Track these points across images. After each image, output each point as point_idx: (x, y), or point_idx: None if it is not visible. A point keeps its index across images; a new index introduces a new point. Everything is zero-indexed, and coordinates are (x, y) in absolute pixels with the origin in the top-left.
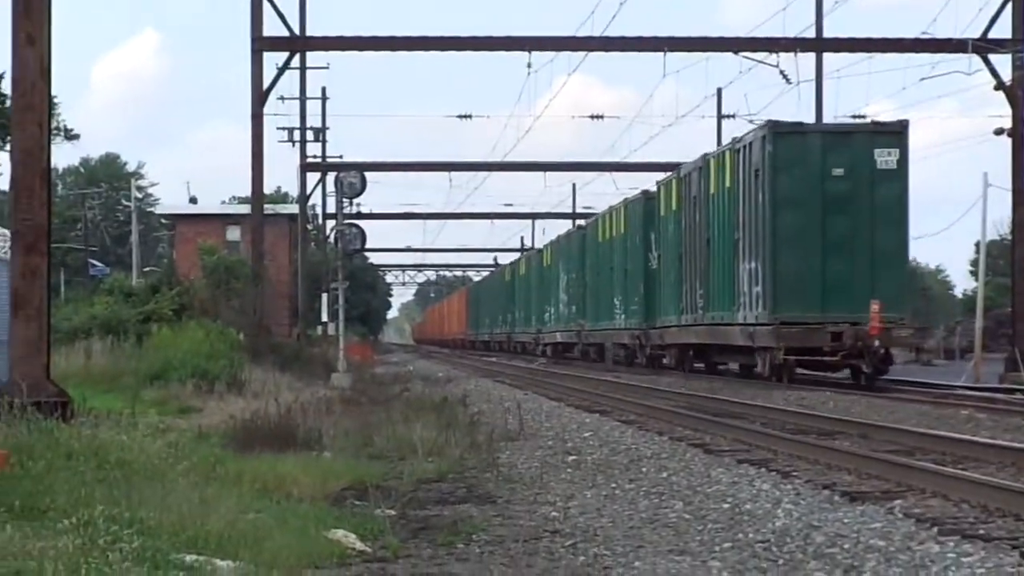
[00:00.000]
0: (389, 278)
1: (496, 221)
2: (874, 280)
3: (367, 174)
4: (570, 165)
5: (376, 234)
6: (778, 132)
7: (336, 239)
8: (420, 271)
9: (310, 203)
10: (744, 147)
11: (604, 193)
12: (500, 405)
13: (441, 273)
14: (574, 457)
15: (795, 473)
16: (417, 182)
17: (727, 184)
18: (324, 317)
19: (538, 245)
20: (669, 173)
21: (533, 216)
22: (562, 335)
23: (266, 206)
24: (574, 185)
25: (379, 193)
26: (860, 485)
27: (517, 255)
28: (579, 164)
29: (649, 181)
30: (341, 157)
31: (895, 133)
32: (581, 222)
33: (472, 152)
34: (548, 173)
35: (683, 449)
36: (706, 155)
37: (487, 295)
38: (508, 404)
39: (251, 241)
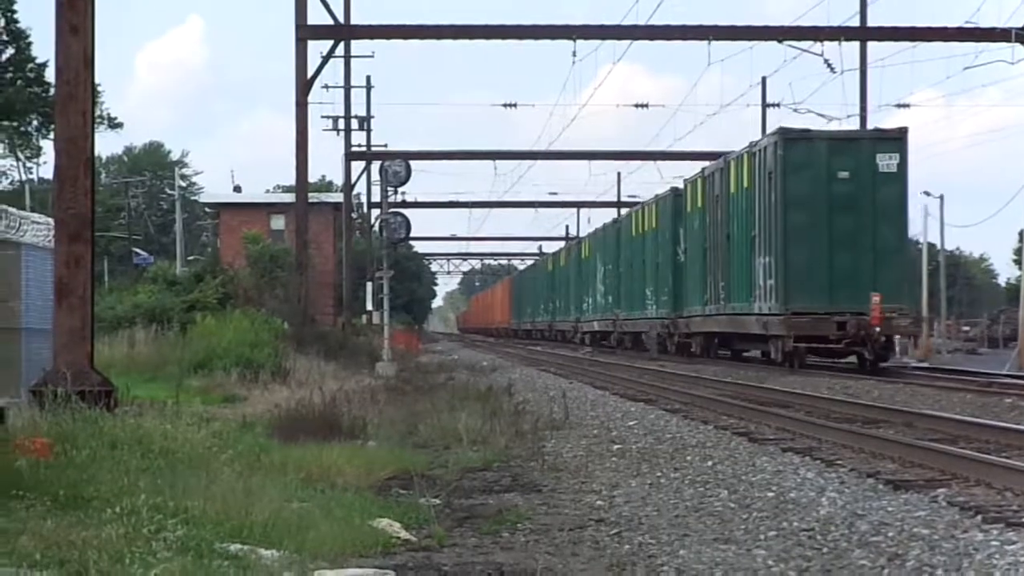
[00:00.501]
0: (434, 267)
1: (540, 210)
2: (876, 274)
3: (412, 163)
4: (615, 154)
5: (421, 223)
6: (789, 138)
7: (381, 228)
8: (465, 260)
9: (355, 192)
10: (760, 151)
11: (649, 182)
12: (545, 394)
13: (486, 262)
14: (619, 446)
15: (839, 461)
16: (462, 170)
17: (745, 185)
18: (369, 306)
19: (582, 234)
20: (709, 163)
21: (578, 205)
22: (599, 324)
23: (310, 195)
24: (619, 174)
25: (424, 182)
26: (904, 473)
27: (561, 244)
28: (624, 153)
29: (694, 169)
30: (386, 146)
31: (895, 139)
32: (624, 210)
33: (517, 141)
34: (593, 162)
35: (728, 438)
36: (726, 157)
37: (530, 285)
38: (553, 393)
39: (295, 230)
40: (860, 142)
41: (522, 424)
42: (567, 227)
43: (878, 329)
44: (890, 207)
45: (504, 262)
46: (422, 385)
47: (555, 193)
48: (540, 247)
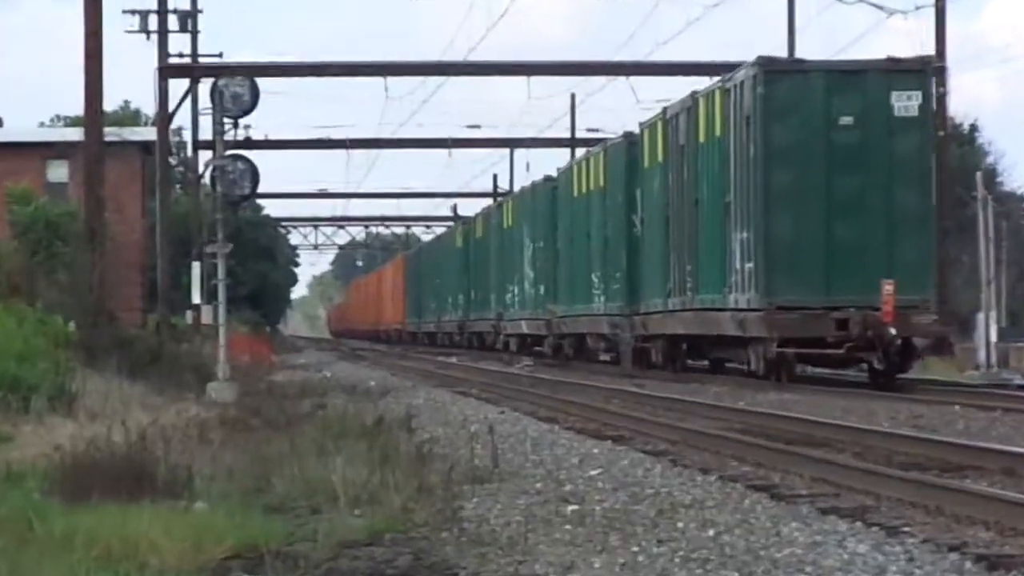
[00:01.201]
0: (295, 238)
1: (455, 151)
2: (891, 253)
3: (261, 81)
4: (566, 66)
5: (275, 172)
6: (772, 71)
7: (213, 180)
8: (342, 227)
9: (174, 125)
10: (735, 87)
11: (618, 109)
12: (463, 429)
13: (373, 230)
14: (575, 507)
15: (906, 528)
16: (338, 94)
17: (717, 132)
18: (196, 298)
19: (521, 186)
20: (711, 82)
21: (511, 143)
22: (528, 324)
23: (108, 129)
24: (572, 96)
25: (280, 110)
26: (1003, 545)
27: (488, 203)
28: (580, 65)
29: (686, 89)
30: (221, 56)
31: (916, 72)
32: (581, 152)
33: (420, 48)
34: (533, 78)
35: (739, 494)
36: (695, 93)
37: (432, 267)
38: (475, 427)
39: (84, 183)
40: (868, 75)
41: (428, 475)
42: (495, 177)
43: (892, 330)
44: (910, 162)
45: (401, 230)
46: (278, 417)
47: (476, 126)
48: (454, 207)
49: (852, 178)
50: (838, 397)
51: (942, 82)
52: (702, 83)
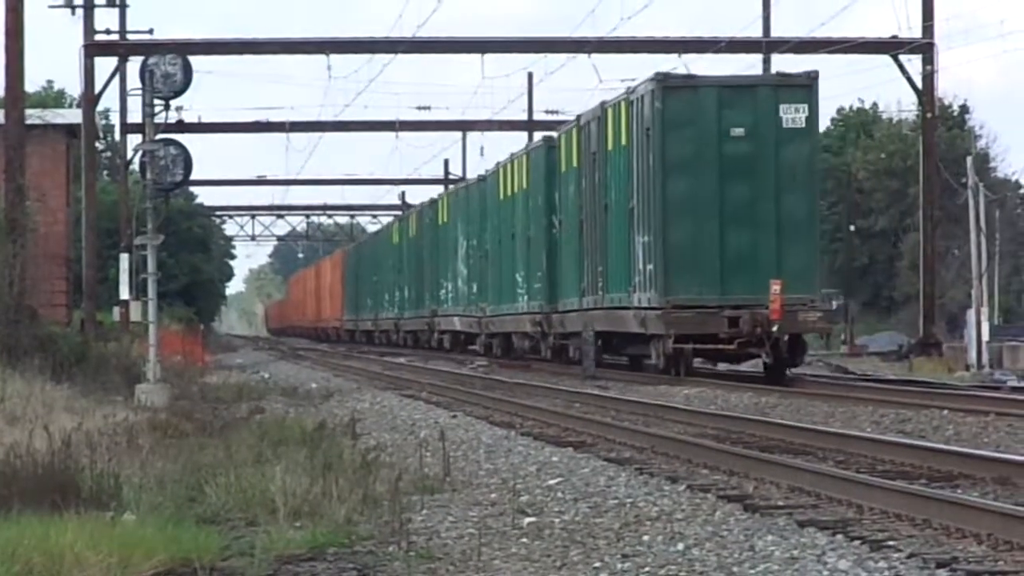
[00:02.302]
0: (230, 228)
1: (404, 134)
2: (780, 255)
3: (194, 60)
4: (524, 43)
5: (210, 157)
6: (668, 86)
7: (144, 166)
8: (281, 216)
9: (101, 107)
10: (637, 100)
11: (578, 89)
12: (412, 435)
13: (315, 219)
14: (533, 519)
15: (891, 542)
16: (277, 73)
17: (623, 141)
18: (124, 293)
19: (474, 172)
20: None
21: (463, 126)
22: (461, 321)
23: (29, 112)
24: (530, 76)
25: (215, 91)
26: (996, 561)
27: (439, 191)
28: (539, 42)
29: (651, 67)
30: (151, 32)
31: (803, 86)
32: (540, 136)
33: (366, 24)
34: (488, 56)
35: (710, 504)
36: (604, 103)
37: (370, 263)
38: (425, 433)
39: (4, 170)
40: (758, 90)
41: (374, 484)
42: (446, 163)
43: (777, 326)
44: (797, 171)
45: (345, 220)
46: (211, 421)
47: (426, 108)
48: (403, 195)
49: (743, 186)
50: (820, 401)
51: (929, 60)
52: (668, 62)
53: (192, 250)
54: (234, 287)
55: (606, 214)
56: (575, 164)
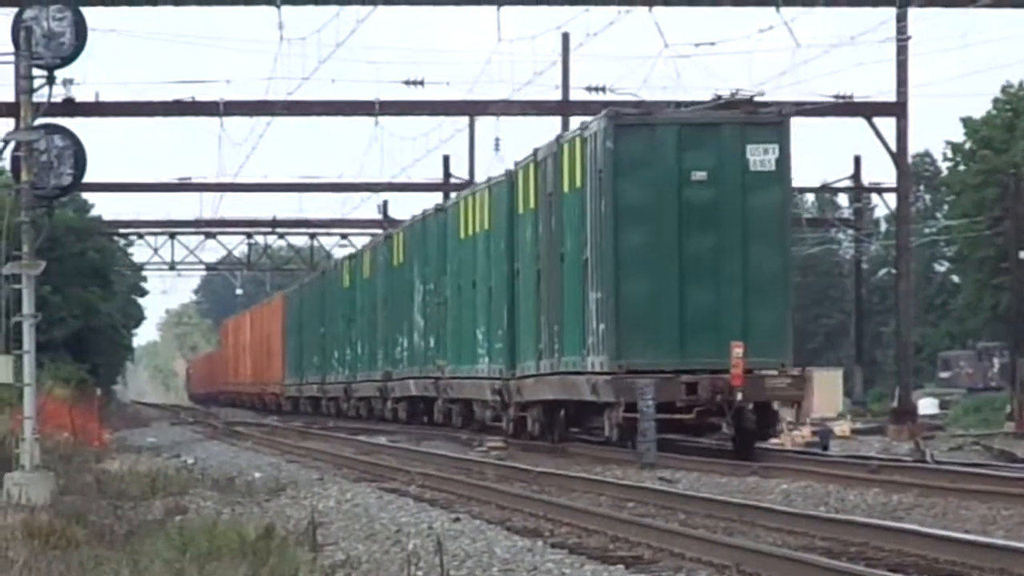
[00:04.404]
0: (140, 253)
1: (387, 119)
2: (747, 313)
3: (90, 13)
4: None
5: (112, 153)
6: (620, 124)
7: (16, 162)
8: (212, 236)
9: None
10: (591, 136)
11: (637, 57)
12: (397, 546)
13: (260, 240)
14: None
15: None
16: (208, 34)
17: (577, 184)
18: None
19: (482, 175)
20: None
21: (472, 108)
22: (416, 385)
23: None
24: (565, 39)
25: (118, 58)
26: None
27: (436, 198)
28: None
29: (743, 24)
30: None
31: (773, 124)
32: (576, 122)
33: None
34: (506, 9)
35: None
36: (560, 137)
37: (314, 312)
38: (416, 544)
39: None
40: (723, 129)
41: None
42: (446, 160)
43: (740, 394)
44: (766, 219)
45: (303, 240)
46: (112, 526)
47: (418, 83)
48: (384, 205)
49: (705, 236)
50: (975, 500)
51: None
52: (763, 17)
53: (86, 283)
54: (145, 335)
55: (561, 265)
56: (532, 206)
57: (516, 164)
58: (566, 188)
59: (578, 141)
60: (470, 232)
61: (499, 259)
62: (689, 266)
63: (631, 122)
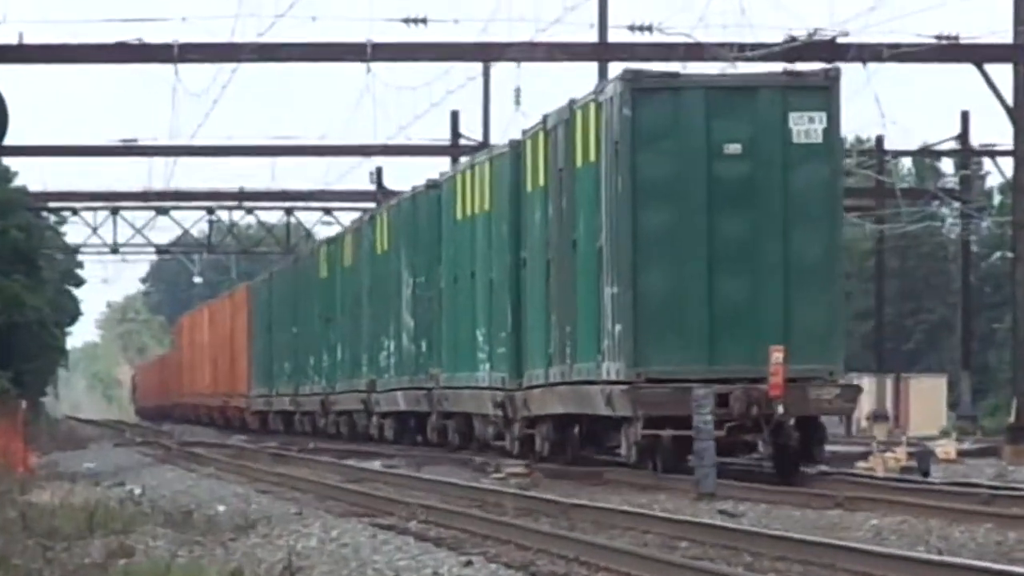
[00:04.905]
0: (75, 232)
1: (381, 65)
2: (788, 310)
3: None
4: None
5: (41, 109)
6: (639, 88)
7: None
8: (163, 212)
9: None
10: (606, 102)
11: None
12: None
13: (224, 215)
14: None
15: None
16: None
17: (591, 157)
18: None
19: (509, 132)
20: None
21: (485, 53)
22: (405, 398)
23: None
24: None
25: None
26: None
27: (444, 164)
28: None
29: None
30: None
31: (820, 88)
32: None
33: None
34: None
35: None
36: (573, 101)
37: (285, 308)
38: None
39: None
40: (760, 93)
41: None
42: (454, 116)
43: (780, 407)
44: (811, 200)
45: (277, 216)
46: (39, 571)
47: (419, 21)
48: (378, 173)
49: (740, 220)
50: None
51: None
52: None
53: (7, 270)
54: (81, 335)
55: (574, 254)
56: (541, 183)
57: (524, 132)
58: (579, 162)
59: (592, 107)
60: (468, 212)
61: (501, 246)
62: (720, 255)
63: (652, 85)
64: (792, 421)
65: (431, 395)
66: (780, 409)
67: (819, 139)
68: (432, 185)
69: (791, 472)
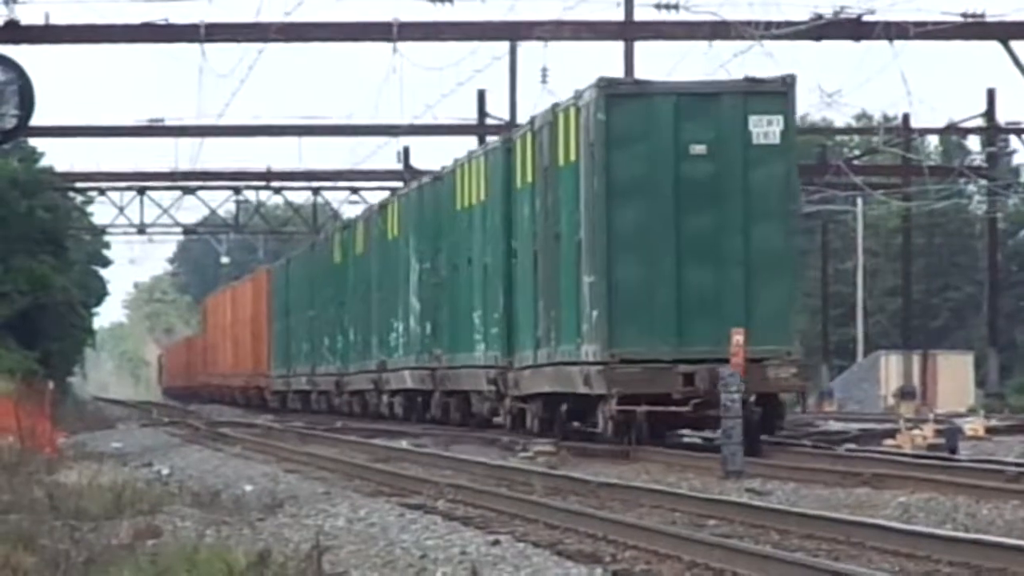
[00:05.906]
0: (102, 213)
1: (407, 45)
2: (749, 297)
3: None
4: None
5: (67, 89)
6: (613, 95)
7: None
8: (190, 192)
9: None
10: (584, 107)
11: None
12: (422, 574)
13: (251, 195)
14: None
15: None
16: None
17: (572, 157)
18: None
19: (534, 111)
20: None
21: (512, 31)
22: (412, 376)
23: None
24: None
25: None
26: None
27: (471, 143)
28: None
29: None
30: None
31: (777, 94)
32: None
33: None
34: None
35: None
36: (556, 105)
37: (303, 291)
38: (445, 572)
39: None
40: (724, 99)
41: None
42: (481, 95)
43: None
44: (770, 195)
45: (304, 196)
46: (68, 552)
47: (447, 0)
48: (405, 152)
49: (705, 215)
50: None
51: None
52: None
53: (34, 251)
54: (109, 315)
55: (558, 246)
56: (529, 179)
57: (515, 132)
58: (561, 162)
59: (572, 111)
60: (467, 202)
61: (495, 235)
62: (687, 247)
63: (625, 92)
64: (753, 397)
65: (435, 374)
66: (742, 387)
67: (777, 140)
68: (437, 177)
69: (753, 443)
